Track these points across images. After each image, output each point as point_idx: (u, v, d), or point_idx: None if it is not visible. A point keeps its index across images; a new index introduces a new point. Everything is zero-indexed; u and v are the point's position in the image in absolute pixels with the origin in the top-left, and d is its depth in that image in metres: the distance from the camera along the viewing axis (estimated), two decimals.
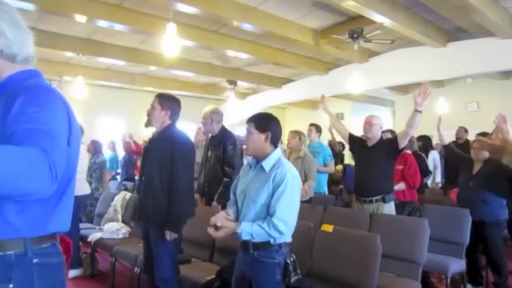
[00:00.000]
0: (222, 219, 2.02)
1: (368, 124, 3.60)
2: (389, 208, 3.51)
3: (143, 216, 2.79)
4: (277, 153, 2.11)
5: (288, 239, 2.07)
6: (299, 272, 2.06)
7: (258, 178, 2.08)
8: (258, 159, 2.12)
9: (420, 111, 3.27)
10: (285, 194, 1.97)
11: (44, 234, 1.14)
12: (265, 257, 2.02)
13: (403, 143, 3.46)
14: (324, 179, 5.11)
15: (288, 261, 2.03)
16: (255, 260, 2.04)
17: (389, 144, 3.56)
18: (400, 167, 3.99)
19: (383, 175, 3.51)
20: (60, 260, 1.20)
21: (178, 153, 2.63)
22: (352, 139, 3.87)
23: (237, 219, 2.13)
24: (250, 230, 1.95)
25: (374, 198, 3.49)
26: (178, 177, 2.63)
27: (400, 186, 3.93)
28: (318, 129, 5.10)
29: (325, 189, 5.16)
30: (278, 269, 2.02)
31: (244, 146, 2.20)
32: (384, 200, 3.48)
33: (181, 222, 2.68)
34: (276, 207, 1.96)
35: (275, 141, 2.12)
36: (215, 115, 3.55)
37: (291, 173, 2.04)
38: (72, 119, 1.18)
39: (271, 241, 2.01)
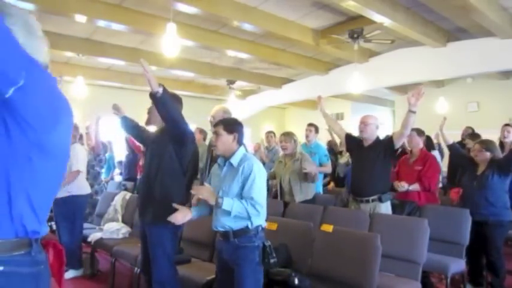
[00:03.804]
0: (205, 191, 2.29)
1: (363, 124, 3.61)
2: (386, 208, 3.51)
3: (140, 211, 2.80)
4: (242, 150, 2.39)
5: (263, 223, 2.32)
6: (274, 255, 2.27)
7: (229, 173, 2.34)
8: (226, 157, 2.38)
9: (414, 112, 3.28)
10: (256, 181, 2.23)
11: (14, 239, 1.03)
12: (245, 242, 2.25)
13: (398, 143, 3.49)
14: (319, 179, 5.10)
15: (266, 244, 2.26)
16: (236, 247, 2.26)
17: (385, 145, 3.57)
18: (420, 167, 3.89)
19: (379, 175, 3.51)
20: (32, 271, 1.07)
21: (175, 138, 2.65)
22: (349, 139, 3.87)
23: (211, 213, 2.39)
24: (231, 203, 2.19)
25: (370, 198, 3.49)
26: (173, 161, 2.65)
27: (414, 186, 3.80)
28: (317, 129, 5.08)
29: (321, 189, 5.15)
30: (257, 251, 2.25)
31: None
32: (380, 200, 3.47)
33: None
34: (250, 192, 2.21)
35: (240, 141, 2.40)
36: (227, 114, 3.55)
37: (257, 164, 2.31)
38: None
39: (249, 225, 2.24)
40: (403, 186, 3.78)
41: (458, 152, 4.10)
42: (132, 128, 3.19)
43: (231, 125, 2.41)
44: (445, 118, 4.08)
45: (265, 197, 2.30)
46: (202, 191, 2.26)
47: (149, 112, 2.80)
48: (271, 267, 2.28)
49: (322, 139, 8.05)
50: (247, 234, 2.25)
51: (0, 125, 0.99)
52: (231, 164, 2.34)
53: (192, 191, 2.32)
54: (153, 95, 2.42)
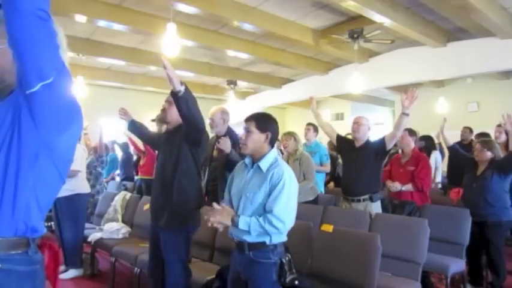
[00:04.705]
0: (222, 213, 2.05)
1: (356, 124, 3.68)
2: (376, 207, 3.57)
3: (154, 214, 2.73)
4: (274, 153, 2.14)
5: (284, 238, 2.09)
6: (294, 271, 2.06)
7: (255, 178, 2.10)
8: (255, 158, 2.14)
9: (407, 114, 3.34)
10: (283, 194, 1.98)
11: (13, 237, 1.05)
12: (261, 257, 2.04)
13: (390, 144, 3.54)
14: (321, 178, 5.11)
15: (284, 260, 2.03)
16: (251, 261, 2.05)
17: (377, 145, 3.61)
18: (412, 168, 3.94)
19: (370, 175, 3.57)
20: (29, 270, 1.09)
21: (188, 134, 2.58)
22: (340, 140, 3.94)
23: None
24: (248, 221, 1.97)
25: (362, 198, 3.55)
26: (187, 158, 2.57)
27: (407, 187, 3.87)
28: (316, 128, 5.11)
29: (322, 189, 5.16)
30: (274, 268, 2.02)
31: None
32: (371, 199, 3.54)
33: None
34: (273, 206, 1.97)
35: (273, 142, 2.15)
36: (225, 115, 3.54)
37: (288, 174, 2.05)
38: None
39: (267, 241, 2.03)
40: (396, 187, 3.83)
41: (458, 153, 4.13)
42: (141, 131, 3.18)
43: (265, 123, 2.13)
44: (445, 119, 4.09)
45: (292, 211, 2.04)
46: (214, 217, 2.00)
47: (165, 110, 2.74)
48: (288, 285, 2.02)
49: (323, 139, 8.05)
50: (264, 249, 2.03)
51: (14, 120, 1.03)
52: (259, 168, 2.08)
53: (206, 217, 2.05)
54: (174, 94, 2.31)
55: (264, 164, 2.08)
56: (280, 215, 1.96)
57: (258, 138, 2.09)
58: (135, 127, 3.14)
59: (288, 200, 2.00)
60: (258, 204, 2.03)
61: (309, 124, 5.14)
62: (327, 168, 5.12)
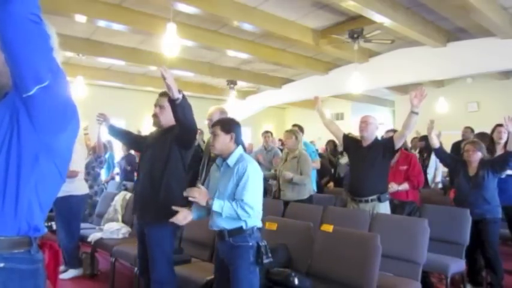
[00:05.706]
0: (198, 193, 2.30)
1: (364, 123, 3.63)
2: (384, 207, 3.52)
3: (140, 212, 2.77)
4: (240, 150, 2.39)
5: (259, 224, 2.33)
6: (270, 255, 2.28)
7: (225, 174, 2.36)
8: (224, 157, 2.40)
9: (416, 113, 3.30)
10: (248, 183, 2.23)
11: (15, 237, 1.07)
12: (240, 242, 2.26)
13: (399, 144, 3.50)
14: (313, 176, 5.14)
15: (261, 244, 2.26)
16: (231, 246, 2.28)
17: (385, 145, 3.58)
18: (405, 167, 4.01)
19: (378, 175, 3.52)
20: (31, 268, 1.11)
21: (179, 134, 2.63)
22: (346, 139, 3.89)
23: (209, 214, 2.38)
24: (222, 204, 2.21)
25: (370, 198, 3.49)
26: (176, 159, 2.64)
27: (404, 186, 3.90)
28: (301, 129, 5.24)
29: (314, 187, 5.18)
30: (251, 251, 2.25)
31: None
32: (379, 200, 3.49)
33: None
34: (241, 194, 2.22)
35: (238, 141, 2.40)
36: (224, 115, 3.54)
37: (252, 165, 2.31)
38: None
39: (243, 226, 2.26)
40: (393, 187, 3.82)
41: (445, 155, 4.15)
42: (122, 134, 3.18)
43: (229, 125, 2.41)
44: (431, 121, 4.05)
45: (259, 198, 2.30)
46: (193, 193, 2.27)
47: (157, 115, 2.77)
48: (266, 266, 2.26)
49: (323, 139, 8.07)
50: (242, 234, 2.26)
51: (13, 122, 1.05)
52: (228, 165, 2.35)
53: (184, 193, 2.31)
54: (172, 101, 2.41)
55: (230, 160, 2.35)
56: (250, 201, 2.21)
57: (223, 139, 2.36)
58: (115, 131, 3.14)
59: (254, 188, 2.26)
60: (228, 195, 2.28)
61: (295, 125, 5.31)
62: (317, 164, 5.28)
